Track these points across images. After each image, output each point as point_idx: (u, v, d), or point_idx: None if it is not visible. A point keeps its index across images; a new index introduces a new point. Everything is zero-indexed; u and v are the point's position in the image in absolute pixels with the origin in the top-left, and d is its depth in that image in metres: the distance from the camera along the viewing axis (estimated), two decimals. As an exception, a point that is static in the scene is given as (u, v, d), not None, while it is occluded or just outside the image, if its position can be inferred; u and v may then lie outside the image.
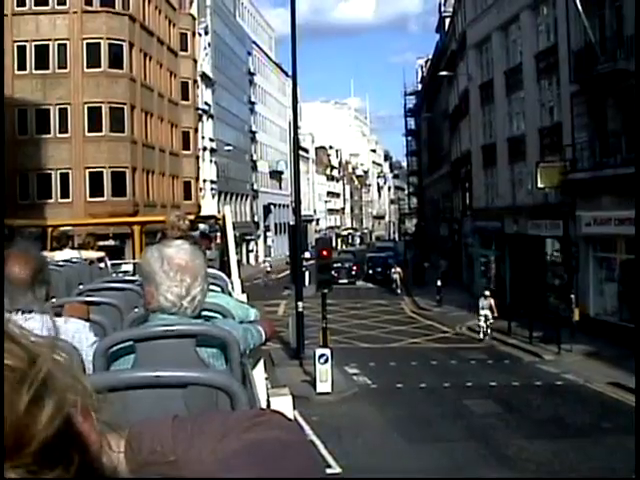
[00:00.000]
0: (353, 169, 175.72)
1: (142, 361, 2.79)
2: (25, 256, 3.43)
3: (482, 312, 33.40)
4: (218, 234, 12.70)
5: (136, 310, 3.80)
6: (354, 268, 66.50)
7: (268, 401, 4.57)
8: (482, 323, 33.41)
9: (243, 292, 7.44)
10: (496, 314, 33.50)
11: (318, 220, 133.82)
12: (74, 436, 0.80)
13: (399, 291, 55.25)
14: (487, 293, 34.83)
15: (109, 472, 0.96)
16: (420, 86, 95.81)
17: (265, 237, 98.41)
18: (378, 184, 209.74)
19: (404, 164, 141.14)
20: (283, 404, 4.48)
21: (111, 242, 31.83)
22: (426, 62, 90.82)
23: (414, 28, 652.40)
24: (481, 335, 33.42)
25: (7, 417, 0.70)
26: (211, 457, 1.13)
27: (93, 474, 0.86)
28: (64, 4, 48.26)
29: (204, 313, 3.33)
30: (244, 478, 1.08)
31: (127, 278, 6.60)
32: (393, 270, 57.86)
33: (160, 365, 2.59)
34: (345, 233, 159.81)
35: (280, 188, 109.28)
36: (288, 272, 43.47)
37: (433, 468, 16.08)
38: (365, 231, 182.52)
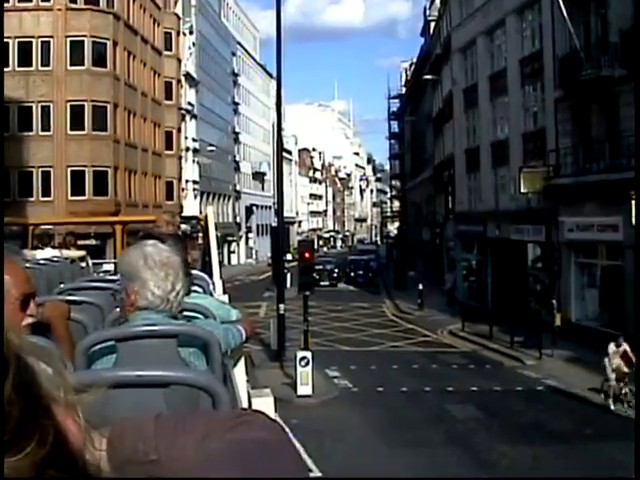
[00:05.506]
0: (336, 171, 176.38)
1: (123, 360, 2.76)
2: None
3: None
4: (200, 234, 12.68)
5: (117, 309, 3.77)
6: (335, 270, 66.66)
7: (250, 402, 4.55)
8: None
9: (225, 293, 7.42)
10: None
11: (300, 222, 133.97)
12: (53, 428, 0.78)
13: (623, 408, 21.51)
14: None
15: (92, 469, 0.94)
16: (404, 89, 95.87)
17: (247, 238, 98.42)
18: (361, 187, 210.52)
19: (387, 167, 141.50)
20: (265, 405, 4.46)
21: (92, 241, 31.78)
22: (410, 65, 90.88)
23: (402, 32, 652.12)
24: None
25: None
26: (193, 456, 1.12)
27: (76, 469, 0.84)
28: (48, 1, 48.13)
29: (185, 313, 3.31)
30: (226, 478, 1.07)
31: (109, 277, 6.55)
32: (611, 351, 22.34)
33: (142, 365, 2.57)
34: (327, 235, 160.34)
35: (263, 189, 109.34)
36: (270, 274, 43.47)
37: (412, 472, 16.11)
38: (347, 234, 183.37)
